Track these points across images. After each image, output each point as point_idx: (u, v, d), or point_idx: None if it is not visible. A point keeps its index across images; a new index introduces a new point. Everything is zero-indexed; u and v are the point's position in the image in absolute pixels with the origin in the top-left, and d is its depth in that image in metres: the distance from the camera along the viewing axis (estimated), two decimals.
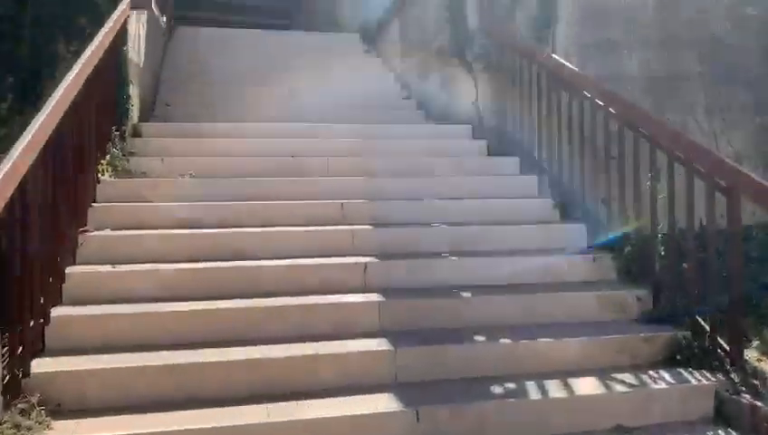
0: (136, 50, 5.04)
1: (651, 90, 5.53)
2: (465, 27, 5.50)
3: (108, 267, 3.24)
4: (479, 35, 5.37)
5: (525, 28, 5.29)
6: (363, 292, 3.25)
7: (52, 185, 2.89)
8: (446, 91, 6.04)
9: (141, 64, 5.37)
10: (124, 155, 4.40)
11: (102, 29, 3.81)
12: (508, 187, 4.57)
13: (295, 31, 11.26)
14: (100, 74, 3.85)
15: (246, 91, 6.69)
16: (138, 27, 5.09)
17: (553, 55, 4.58)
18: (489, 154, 5.15)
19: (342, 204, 4.01)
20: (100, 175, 4.02)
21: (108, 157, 4.18)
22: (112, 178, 4.12)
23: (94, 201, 3.86)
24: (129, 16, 4.54)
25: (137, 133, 4.87)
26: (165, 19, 6.12)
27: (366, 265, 3.37)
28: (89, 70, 3.38)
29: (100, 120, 4.00)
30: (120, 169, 4.23)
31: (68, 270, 3.13)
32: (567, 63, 4.35)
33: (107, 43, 3.77)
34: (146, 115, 5.58)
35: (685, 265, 3.34)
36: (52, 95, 2.86)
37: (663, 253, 3.53)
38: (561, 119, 4.42)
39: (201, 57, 7.67)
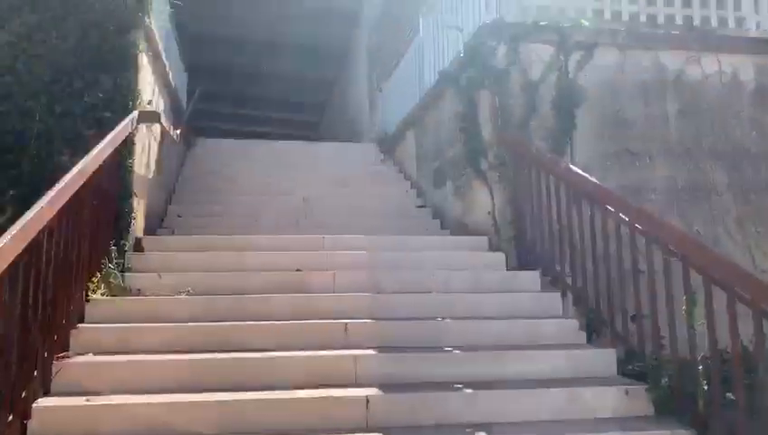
0: (144, 163, 4.96)
1: (677, 201, 5.28)
2: (480, 137, 5.37)
3: (82, 400, 2.92)
4: (494, 145, 5.22)
5: (541, 138, 5.14)
6: (365, 432, 2.87)
7: (22, 307, 2.65)
8: (462, 200, 5.84)
9: (150, 177, 5.29)
10: (121, 271, 4.19)
11: (103, 141, 3.69)
12: (529, 305, 4.23)
13: (316, 142, 11.40)
14: (97, 187, 3.71)
15: (260, 201, 6.60)
16: (147, 140, 5.04)
17: (572, 167, 4.38)
18: (508, 268, 4.86)
19: (347, 325, 3.69)
20: (91, 293, 3.79)
21: (103, 273, 3.97)
22: (105, 297, 3.89)
23: (81, 322, 3.61)
24: (135, 130, 4.47)
25: (139, 247, 4.69)
26: (179, 132, 6.08)
27: (368, 399, 3.00)
28: (79, 182, 3.22)
29: (96, 235, 3.82)
30: (114, 285, 4.00)
31: (37, 404, 2.82)
32: (587, 176, 4.13)
33: (104, 156, 3.65)
34: (153, 227, 5.45)
35: (731, 395, 2.94)
36: (28, 212, 2.67)
37: (706, 383, 3.12)
38: (584, 231, 4.15)
39: (219, 168, 7.67)
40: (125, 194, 4.40)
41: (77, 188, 3.19)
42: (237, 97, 15.57)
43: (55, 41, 4.47)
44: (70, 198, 3.11)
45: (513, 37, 5.27)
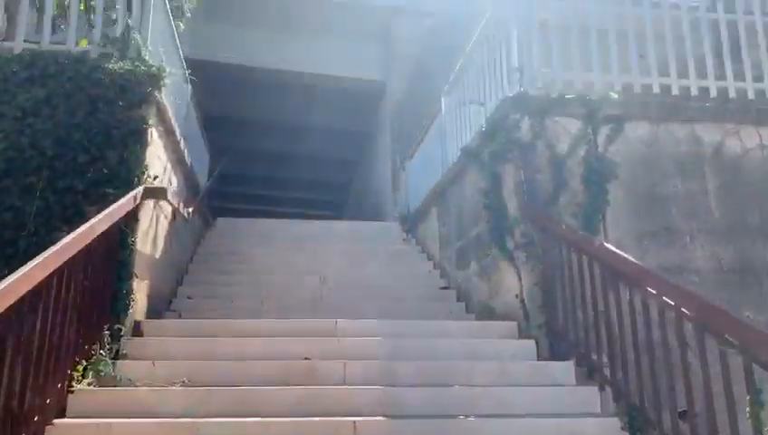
0: (149, 241, 4.71)
1: (723, 283, 4.82)
2: (505, 213, 5.04)
3: None
4: (520, 222, 4.88)
5: (571, 214, 4.79)
6: None
7: None
8: (487, 281, 5.45)
9: (157, 256, 5.04)
10: (114, 358, 3.86)
11: (98, 215, 3.45)
12: (563, 401, 3.74)
13: (338, 221, 11.22)
14: (89, 264, 3.44)
15: (275, 282, 6.30)
16: (154, 218, 4.81)
17: (607, 246, 3.99)
18: (538, 357, 4.40)
19: (355, 423, 3.26)
20: (76, 383, 3.44)
21: (92, 360, 3.63)
22: (92, 387, 3.53)
23: (62, 416, 3.25)
24: (140, 206, 4.24)
25: (138, 331, 4.37)
26: (192, 210, 5.88)
27: None
28: (63, 257, 2.95)
29: (87, 317, 3.52)
30: (103, 374, 3.65)
31: None
32: (624, 255, 3.74)
33: (98, 231, 3.40)
34: (160, 310, 5.16)
35: None
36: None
37: None
38: (623, 317, 3.71)
39: (237, 248, 7.44)
40: (124, 274, 4.12)
41: (59, 265, 2.91)
42: (262, 178, 15.65)
43: (63, 115, 4.34)
44: (51, 274, 2.83)
45: (537, 110, 5.03)
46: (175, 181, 5.74)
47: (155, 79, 4.52)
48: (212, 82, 11.76)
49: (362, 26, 11.50)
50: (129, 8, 4.88)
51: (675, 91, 5.44)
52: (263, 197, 16.50)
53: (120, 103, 4.40)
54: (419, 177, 8.52)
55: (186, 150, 5.99)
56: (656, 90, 5.44)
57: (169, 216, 5.44)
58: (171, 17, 5.70)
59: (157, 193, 4.35)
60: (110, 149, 4.31)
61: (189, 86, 7.08)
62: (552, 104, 5.06)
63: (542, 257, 4.71)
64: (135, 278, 4.23)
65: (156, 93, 4.52)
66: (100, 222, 3.39)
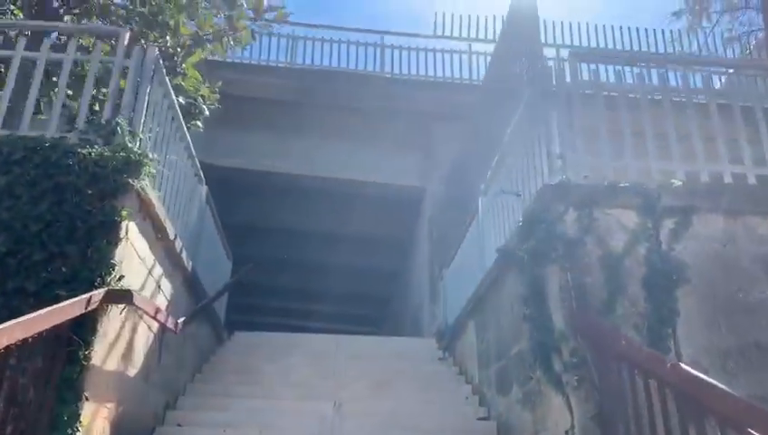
0: (118, 356, 3.95)
1: None
2: (549, 327, 4.09)
3: None
4: (569, 337, 3.92)
5: (632, 326, 3.82)
6: None
7: None
8: (532, 412, 4.41)
9: (132, 374, 4.25)
10: None
11: (18, 320, 2.72)
12: None
13: (366, 336, 10.30)
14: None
15: (282, 408, 5.40)
16: (127, 328, 4.07)
17: (685, 368, 2.98)
18: None
19: None
20: None
21: None
22: None
23: None
24: (99, 312, 3.53)
25: None
26: (181, 320, 5.13)
27: None
28: None
29: None
30: None
31: None
32: (714, 383, 2.73)
33: (14, 339, 2.65)
34: None
35: None
36: None
37: None
38: None
39: (247, 366, 6.61)
40: (69, 396, 3.33)
41: None
42: (295, 290, 14.95)
43: (24, 206, 3.77)
44: None
45: (584, 201, 4.20)
46: (169, 288, 5.05)
47: (134, 166, 3.95)
48: (244, 189, 11.47)
49: (401, 132, 11.15)
50: (119, 95, 4.44)
51: (751, 180, 4.56)
52: (295, 310, 15.73)
53: (90, 192, 3.81)
54: (458, 286, 7.64)
55: (184, 254, 5.33)
56: (727, 179, 4.58)
57: (156, 329, 4.71)
58: (177, 107, 5.25)
59: (120, 297, 3.63)
60: (73, 244, 3.67)
61: (204, 187, 6.57)
62: (601, 194, 4.24)
63: (599, 383, 3.70)
64: (85, 401, 3.42)
65: (134, 182, 3.92)
66: (16, 328, 2.65)
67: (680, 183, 4.29)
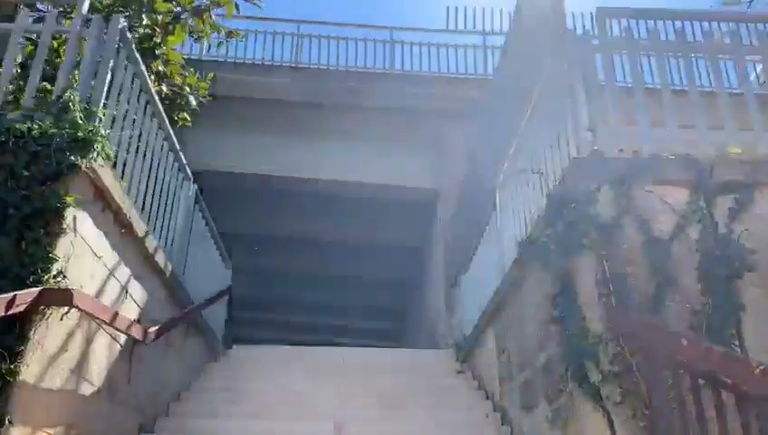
0: (64, 372, 3.29)
1: None
2: (582, 329, 3.37)
3: None
4: (608, 340, 3.19)
5: (686, 323, 3.10)
6: None
7: None
8: (563, 431, 3.68)
9: (88, 393, 3.60)
10: None
11: None
12: None
13: (378, 348, 9.59)
14: None
15: (274, 431, 4.72)
16: (79, 337, 3.43)
17: None
18: None
19: None
20: None
21: None
22: None
23: None
24: (30, 316, 2.88)
25: None
26: (153, 330, 4.46)
27: None
28: None
29: None
30: None
31: None
32: None
33: None
34: None
35: None
36: None
37: None
38: None
39: (239, 383, 5.95)
40: None
41: None
42: (303, 303, 14.26)
43: None
44: None
45: (621, 177, 3.50)
46: (141, 294, 4.41)
47: (83, 144, 3.32)
48: (246, 194, 10.88)
49: (412, 132, 10.50)
50: (75, 67, 3.84)
51: None
52: (303, 325, 15.01)
53: (27, 174, 3.19)
54: (475, 292, 6.91)
55: (161, 255, 4.70)
56: None
57: (124, 339, 4.07)
58: (153, 92, 4.65)
59: (59, 298, 2.99)
60: (2, 235, 3.05)
61: (193, 185, 5.96)
62: (641, 168, 3.53)
63: (649, 397, 2.97)
64: (9, 426, 2.77)
65: (82, 162, 3.29)
66: None
67: (739, 151, 3.56)
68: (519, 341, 4.78)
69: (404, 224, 11.30)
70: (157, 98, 4.83)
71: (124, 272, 4.07)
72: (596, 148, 3.62)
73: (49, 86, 3.93)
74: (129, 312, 4.17)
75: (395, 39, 11.33)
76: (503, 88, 8.67)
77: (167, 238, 5.09)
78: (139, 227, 4.19)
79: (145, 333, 4.10)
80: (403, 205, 10.80)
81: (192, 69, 6.31)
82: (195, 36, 5.77)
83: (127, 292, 4.14)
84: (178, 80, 5.89)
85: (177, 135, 5.21)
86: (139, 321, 4.29)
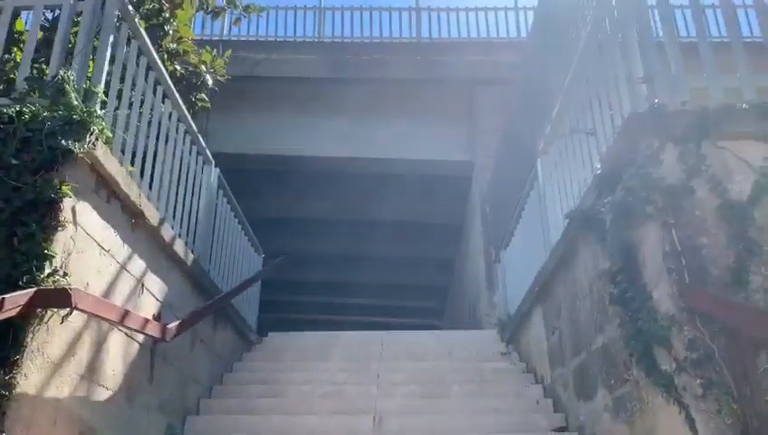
0: (73, 375, 3.00)
1: None
2: (649, 308, 2.94)
3: None
4: (683, 322, 2.75)
5: None
6: None
7: None
8: (630, 426, 3.27)
9: (105, 399, 3.32)
10: None
11: None
12: None
13: (425, 330, 9.24)
14: None
15: (308, 426, 4.42)
16: (87, 338, 3.14)
17: None
18: None
19: None
20: None
21: None
22: None
23: None
24: (28, 318, 2.59)
25: None
26: (173, 326, 4.16)
27: None
28: None
29: None
30: None
31: None
32: None
33: None
34: None
35: None
36: None
37: None
38: None
39: (276, 374, 5.64)
40: None
41: None
42: (345, 284, 13.98)
43: None
44: None
45: (688, 132, 3.02)
46: (160, 287, 4.11)
47: (77, 126, 2.99)
48: (274, 177, 10.59)
49: (442, 102, 10.01)
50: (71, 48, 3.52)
51: None
52: (347, 306, 14.76)
53: (17, 163, 2.88)
54: (518, 269, 6.49)
55: (180, 244, 4.39)
56: None
57: (142, 337, 3.78)
58: (163, 70, 4.31)
59: (56, 299, 2.68)
60: None
61: (215, 169, 5.63)
62: (712, 120, 3.04)
63: (735, 387, 2.52)
64: None
65: (77, 148, 2.97)
66: None
67: None
68: (571, 321, 4.35)
69: (439, 199, 10.87)
70: (168, 77, 4.49)
71: (138, 265, 3.77)
72: (656, 101, 3.14)
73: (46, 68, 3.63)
74: (147, 307, 3.87)
75: (421, 6, 10.80)
76: (540, 48, 8.12)
77: (188, 226, 4.80)
78: (153, 215, 3.88)
79: (163, 329, 3.79)
80: (436, 179, 10.37)
81: (209, 47, 5.98)
82: (207, 9, 5.40)
83: (143, 286, 3.84)
84: (194, 58, 5.54)
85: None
86: (158, 316, 4.00)
